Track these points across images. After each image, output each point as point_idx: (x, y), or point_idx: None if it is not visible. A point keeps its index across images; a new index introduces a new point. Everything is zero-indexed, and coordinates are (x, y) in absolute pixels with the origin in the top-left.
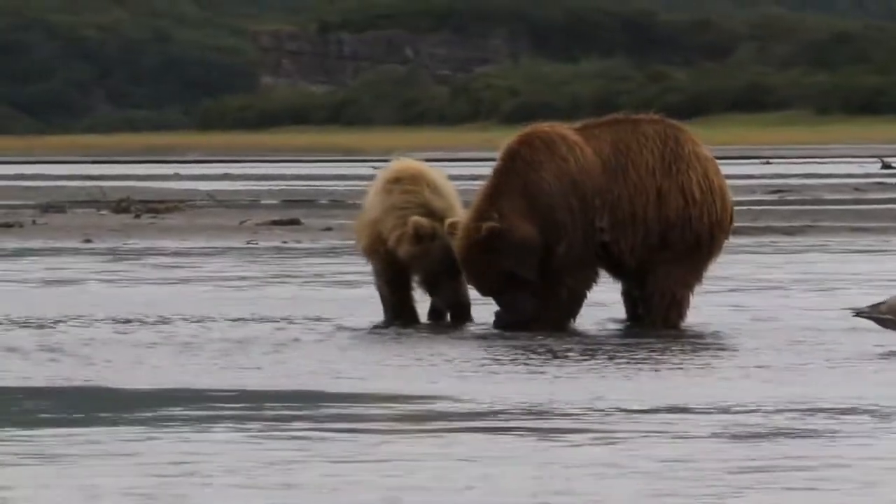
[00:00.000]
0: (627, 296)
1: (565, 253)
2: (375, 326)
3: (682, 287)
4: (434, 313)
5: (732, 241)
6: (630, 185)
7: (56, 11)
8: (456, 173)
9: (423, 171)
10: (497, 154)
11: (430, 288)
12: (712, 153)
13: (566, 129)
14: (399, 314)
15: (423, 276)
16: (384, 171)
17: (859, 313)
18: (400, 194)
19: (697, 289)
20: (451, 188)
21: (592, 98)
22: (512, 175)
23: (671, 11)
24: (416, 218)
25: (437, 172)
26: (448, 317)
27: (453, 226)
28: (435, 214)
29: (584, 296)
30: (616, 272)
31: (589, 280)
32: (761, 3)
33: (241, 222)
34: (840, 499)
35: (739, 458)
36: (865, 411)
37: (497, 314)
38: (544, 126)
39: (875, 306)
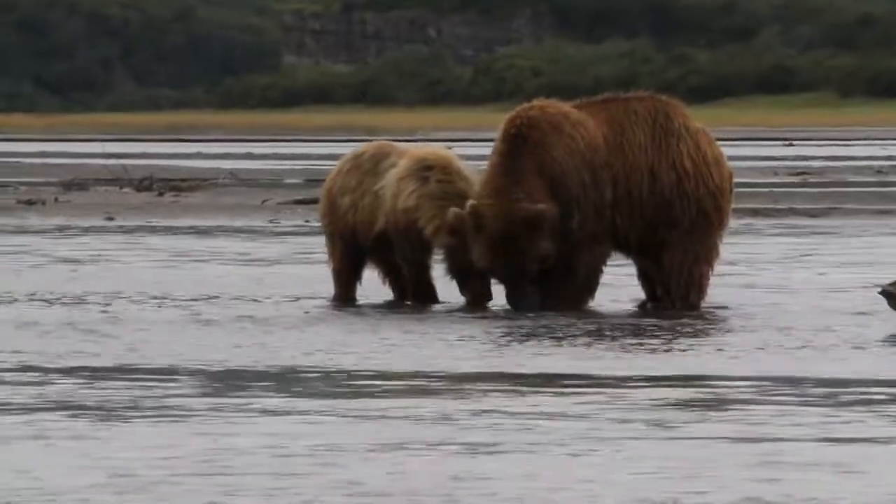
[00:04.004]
0: (644, 277)
1: (579, 228)
2: (392, 304)
3: (700, 263)
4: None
5: (754, 222)
6: (626, 164)
7: None
8: (478, 153)
9: (452, 160)
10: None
11: (458, 278)
12: (733, 133)
13: (567, 108)
14: (421, 294)
15: (454, 266)
16: (411, 158)
17: (883, 291)
18: (436, 183)
19: (715, 265)
20: (475, 175)
21: (615, 79)
22: (524, 156)
23: None
24: (455, 209)
25: (459, 159)
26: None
27: (476, 208)
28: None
29: (601, 272)
30: (625, 250)
31: (603, 256)
32: None
33: (264, 201)
34: None
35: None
36: None
37: (517, 298)
38: (545, 105)
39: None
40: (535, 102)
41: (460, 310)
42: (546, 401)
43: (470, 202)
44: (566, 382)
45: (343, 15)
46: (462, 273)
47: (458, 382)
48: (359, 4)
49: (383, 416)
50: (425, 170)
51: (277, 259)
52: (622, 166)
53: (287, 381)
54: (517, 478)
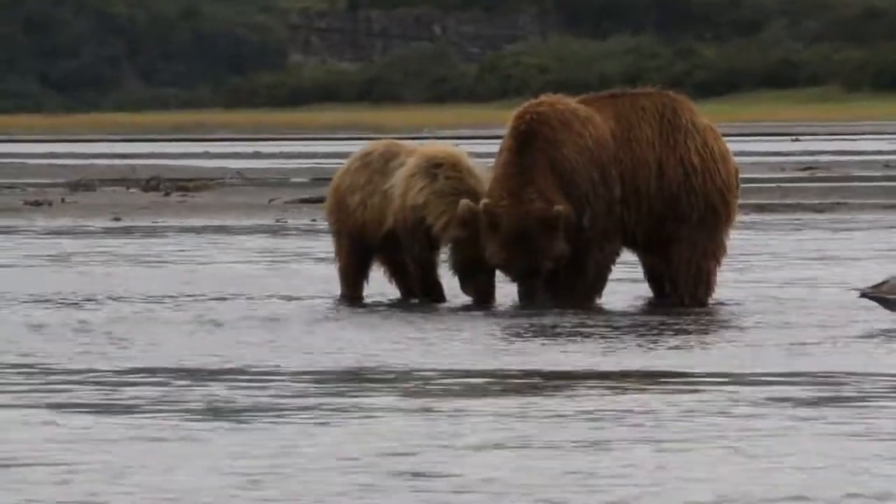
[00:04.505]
0: (651, 274)
1: (590, 225)
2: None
3: (708, 259)
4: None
5: (761, 217)
6: (634, 159)
7: None
8: (484, 151)
9: (461, 157)
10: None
11: (462, 274)
12: (746, 127)
13: (575, 104)
14: (429, 292)
15: (460, 261)
16: (420, 156)
17: (863, 294)
18: (445, 180)
19: (723, 261)
20: (484, 173)
21: (622, 75)
22: (534, 153)
23: None
24: (466, 202)
25: (468, 157)
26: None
27: (490, 208)
28: (479, 201)
29: (609, 270)
30: (635, 247)
31: (613, 254)
32: None
33: (271, 200)
34: None
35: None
36: None
37: (529, 296)
38: (554, 101)
39: (877, 286)
40: (544, 98)
41: (479, 307)
42: (678, 398)
43: (484, 201)
44: (667, 380)
45: (349, 13)
46: (468, 269)
47: (551, 380)
48: (364, 2)
49: (498, 414)
50: (434, 167)
51: (285, 257)
52: (630, 162)
53: (371, 380)
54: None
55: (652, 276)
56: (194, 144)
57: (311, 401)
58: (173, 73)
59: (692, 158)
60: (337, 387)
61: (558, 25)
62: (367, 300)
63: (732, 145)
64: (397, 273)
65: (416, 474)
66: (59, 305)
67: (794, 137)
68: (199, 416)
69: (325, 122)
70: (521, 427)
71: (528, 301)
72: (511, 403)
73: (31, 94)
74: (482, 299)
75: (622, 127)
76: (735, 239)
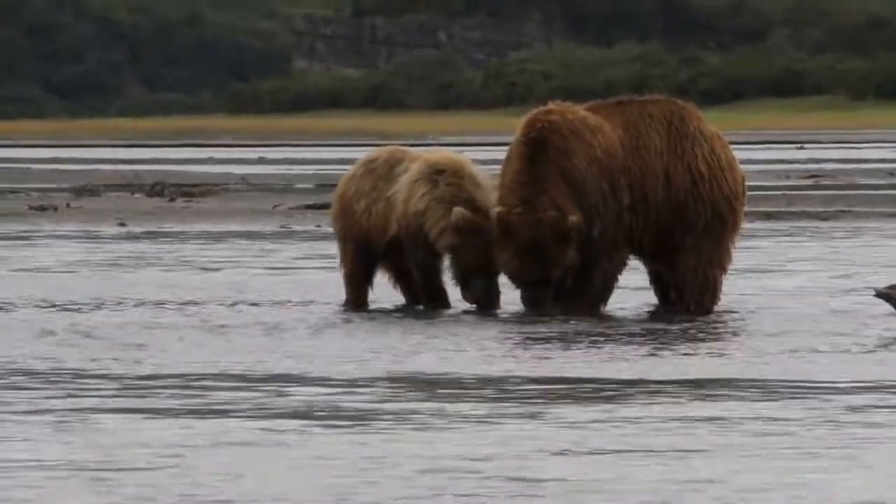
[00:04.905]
0: (657, 281)
1: (600, 236)
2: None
3: (714, 267)
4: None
5: (766, 225)
6: (642, 167)
7: None
8: (489, 157)
9: (464, 164)
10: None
11: (463, 282)
12: (751, 135)
13: (584, 112)
14: (433, 298)
15: (459, 268)
16: (423, 162)
17: (878, 293)
18: (446, 186)
19: (729, 269)
20: (487, 180)
21: (627, 82)
22: (546, 163)
23: None
24: (459, 209)
25: (472, 164)
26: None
27: (503, 216)
28: (479, 209)
29: (616, 279)
30: (641, 255)
31: (621, 263)
32: None
33: (275, 206)
34: None
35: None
36: None
37: (537, 304)
38: (564, 109)
39: (893, 287)
40: (553, 106)
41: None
42: (764, 406)
43: (497, 209)
44: (745, 387)
45: (354, 19)
46: (466, 276)
47: (623, 388)
48: (369, 9)
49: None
50: (436, 174)
51: (290, 263)
52: (638, 170)
53: (446, 385)
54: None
55: (657, 283)
56: (198, 150)
57: (401, 406)
58: (176, 79)
59: (700, 166)
60: (419, 393)
61: (563, 32)
62: (372, 306)
63: (737, 153)
64: (401, 279)
65: (516, 479)
66: (117, 309)
67: (799, 145)
68: (311, 421)
69: (330, 128)
70: (616, 432)
71: (535, 308)
72: (595, 409)
73: (34, 100)
74: (487, 305)
75: (630, 135)
76: (741, 247)
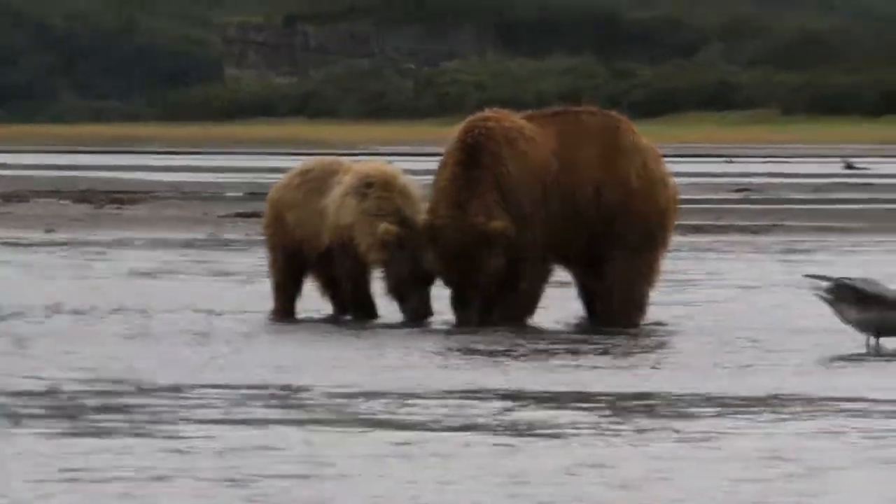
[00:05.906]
0: (584, 292)
1: (529, 245)
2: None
3: (642, 281)
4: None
5: (696, 239)
6: (575, 179)
7: None
8: (420, 168)
9: (395, 176)
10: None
11: (396, 295)
12: (681, 148)
13: (520, 120)
14: (361, 308)
15: (390, 282)
16: (355, 174)
17: (811, 276)
18: (374, 199)
19: (656, 283)
20: (419, 192)
21: (558, 94)
22: (480, 169)
23: (639, 9)
24: (385, 225)
25: (404, 176)
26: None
27: (433, 222)
28: (406, 222)
29: (543, 289)
30: (569, 266)
31: (547, 273)
32: (730, 1)
33: (205, 214)
34: None
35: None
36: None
37: (463, 312)
38: (500, 116)
39: (831, 280)
40: (490, 113)
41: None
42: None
43: (426, 212)
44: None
45: (285, 27)
46: (399, 290)
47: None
48: (301, 17)
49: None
50: (365, 186)
51: (219, 272)
52: (570, 181)
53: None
54: None
55: (585, 295)
56: (130, 157)
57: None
58: (111, 86)
59: (632, 180)
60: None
61: (496, 44)
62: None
63: (668, 166)
64: (330, 288)
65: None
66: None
67: (728, 159)
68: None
69: (261, 136)
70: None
71: (462, 312)
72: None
73: None
74: (417, 317)
75: (565, 146)
76: (669, 259)
